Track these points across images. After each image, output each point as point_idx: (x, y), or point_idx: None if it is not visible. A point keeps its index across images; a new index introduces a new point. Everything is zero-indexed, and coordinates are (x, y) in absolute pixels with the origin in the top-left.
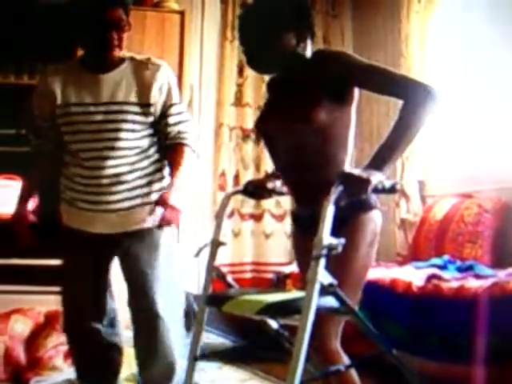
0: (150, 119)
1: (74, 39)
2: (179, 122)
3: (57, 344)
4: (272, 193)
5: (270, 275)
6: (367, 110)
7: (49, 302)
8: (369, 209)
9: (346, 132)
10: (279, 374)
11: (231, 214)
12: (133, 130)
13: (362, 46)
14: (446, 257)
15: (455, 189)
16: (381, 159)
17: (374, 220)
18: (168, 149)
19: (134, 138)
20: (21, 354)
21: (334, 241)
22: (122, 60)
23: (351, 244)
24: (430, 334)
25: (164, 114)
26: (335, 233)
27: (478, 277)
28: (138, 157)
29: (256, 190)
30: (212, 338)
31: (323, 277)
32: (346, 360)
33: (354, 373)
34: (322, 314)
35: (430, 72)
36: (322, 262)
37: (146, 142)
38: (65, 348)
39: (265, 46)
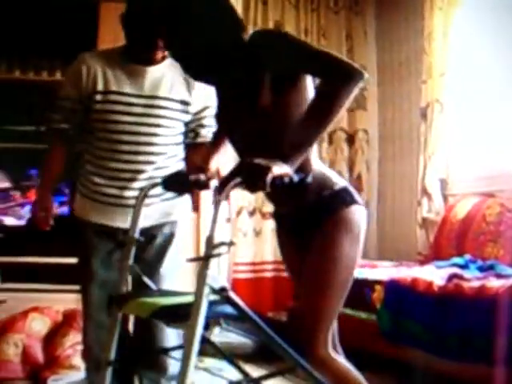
0: (187, 118)
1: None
2: (211, 126)
3: (75, 343)
4: (194, 186)
5: None
6: (389, 108)
7: (67, 300)
8: (347, 204)
9: (300, 110)
10: (300, 373)
11: (252, 213)
12: (170, 127)
13: (385, 42)
14: (468, 256)
15: (477, 188)
16: (290, 150)
17: (355, 216)
18: (194, 147)
19: (170, 135)
20: (38, 353)
21: (225, 240)
22: (164, 57)
23: (330, 243)
24: (450, 333)
25: (200, 114)
26: (311, 231)
27: (499, 276)
28: (170, 154)
29: (175, 183)
30: (232, 337)
31: (213, 280)
32: (340, 363)
33: (355, 373)
34: (304, 319)
35: (453, 70)
36: (212, 263)
37: (178, 140)
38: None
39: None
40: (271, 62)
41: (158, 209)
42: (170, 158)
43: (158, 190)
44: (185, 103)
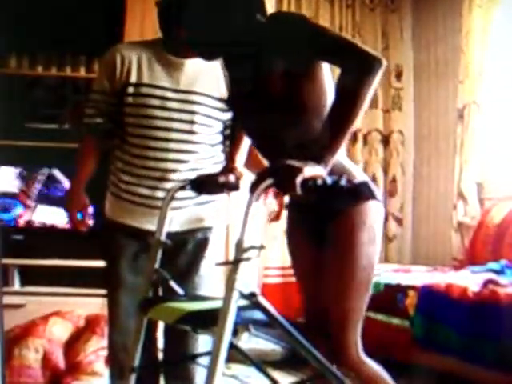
0: (225, 116)
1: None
2: None
3: (97, 348)
4: (224, 188)
5: None
6: (425, 109)
7: (89, 304)
8: (363, 199)
9: (319, 103)
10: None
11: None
12: (207, 125)
13: (421, 41)
14: (504, 261)
15: None
16: (321, 150)
17: (372, 212)
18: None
19: (205, 133)
20: (59, 358)
21: (256, 244)
22: None
23: (345, 242)
24: (486, 341)
25: None
26: (325, 228)
27: None
28: (205, 155)
29: (204, 185)
30: (261, 343)
31: (243, 285)
32: (372, 367)
33: (385, 375)
34: (337, 322)
35: (491, 70)
36: (241, 267)
37: (215, 140)
38: (105, 353)
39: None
40: (287, 45)
41: (191, 213)
42: (205, 159)
43: (191, 193)
44: (223, 101)
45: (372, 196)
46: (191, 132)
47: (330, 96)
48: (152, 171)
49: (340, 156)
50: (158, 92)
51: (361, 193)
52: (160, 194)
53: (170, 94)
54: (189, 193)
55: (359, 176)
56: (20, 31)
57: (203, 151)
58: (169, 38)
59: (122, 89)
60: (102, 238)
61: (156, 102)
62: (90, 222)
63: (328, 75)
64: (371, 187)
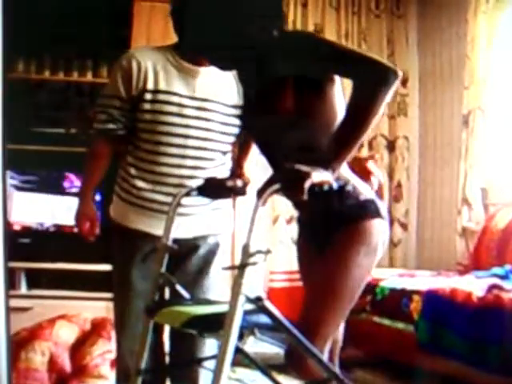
0: (239, 123)
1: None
2: None
3: (103, 352)
4: (232, 192)
5: None
6: (430, 115)
7: (95, 308)
8: (370, 216)
9: (329, 122)
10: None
11: (289, 221)
12: (224, 132)
13: (427, 47)
14: (508, 266)
15: None
16: (331, 156)
17: (374, 231)
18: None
19: (221, 141)
20: (66, 361)
21: (262, 248)
22: None
23: (343, 254)
24: (490, 346)
25: None
26: (329, 239)
27: None
28: (219, 162)
29: (212, 189)
30: (267, 347)
31: (249, 289)
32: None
33: None
34: (308, 329)
35: (496, 76)
36: (248, 272)
37: (228, 148)
38: (111, 356)
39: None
40: (300, 60)
41: (203, 219)
42: (219, 166)
43: (204, 199)
44: (238, 107)
45: (378, 214)
46: (208, 139)
47: (339, 117)
48: (168, 177)
49: (346, 171)
50: (176, 99)
51: (366, 209)
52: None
53: (186, 101)
54: (201, 199)
55: (366, 193)
56: (27, 35)
57: (218, 158)
58: (184, 44)
59: (138, 95)
60: (113, 243)
61: (174, 109)
62: (98, 231)
63: (340, 97)
64: (377, 205)
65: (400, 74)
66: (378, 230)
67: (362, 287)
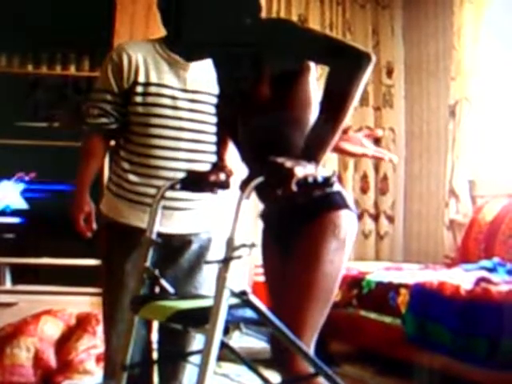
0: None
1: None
2: None
3: (88, 347)
4: (214, 186)
5: None
6: (416, 106)
7: (80, 303)
8: (337, 207)
9: (302, 110)
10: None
11: None
12: (213, 124)
13: (412, 38)
14: (496, 259)
15: (506, 189)
16: (313, 148)
17: (343, 221)
18: None
19: (212, 133)
20: (51, 357)
21: (247, 242)
22: None
23: (313, 250)
24: (478, 339)
25: None
26: (295, 233)
27: None
28: (210, 153)
29: (195, 183)
30: (252, 342)
31: (234, 283)
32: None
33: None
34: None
35: (483, 66)
36: (232, 266)
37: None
38: (97, 351)
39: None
40: (276, 48)
41: (196, 214)
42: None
43: (196, 195)
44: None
45: (344, 205)
46: (202, 131)
47: (314, 109)
48: (162, 170)
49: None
50: (168, 91)
51: (333, 201)
52: (169, 193)
53: (178, 94)
54: (193, 194)
55: (333, 185)
56: (22, 30)
57: (209, 150)
58: (173, 37)
59: (129, 88)
60: (102, 238)
61: (166, 101)
62: (94, 226)
63: (314, 87)
64: (344, 197)
65: (373, 58)
66: (346, 222)
67: (337, 278)
